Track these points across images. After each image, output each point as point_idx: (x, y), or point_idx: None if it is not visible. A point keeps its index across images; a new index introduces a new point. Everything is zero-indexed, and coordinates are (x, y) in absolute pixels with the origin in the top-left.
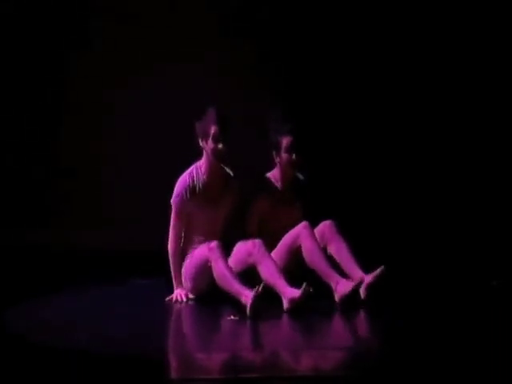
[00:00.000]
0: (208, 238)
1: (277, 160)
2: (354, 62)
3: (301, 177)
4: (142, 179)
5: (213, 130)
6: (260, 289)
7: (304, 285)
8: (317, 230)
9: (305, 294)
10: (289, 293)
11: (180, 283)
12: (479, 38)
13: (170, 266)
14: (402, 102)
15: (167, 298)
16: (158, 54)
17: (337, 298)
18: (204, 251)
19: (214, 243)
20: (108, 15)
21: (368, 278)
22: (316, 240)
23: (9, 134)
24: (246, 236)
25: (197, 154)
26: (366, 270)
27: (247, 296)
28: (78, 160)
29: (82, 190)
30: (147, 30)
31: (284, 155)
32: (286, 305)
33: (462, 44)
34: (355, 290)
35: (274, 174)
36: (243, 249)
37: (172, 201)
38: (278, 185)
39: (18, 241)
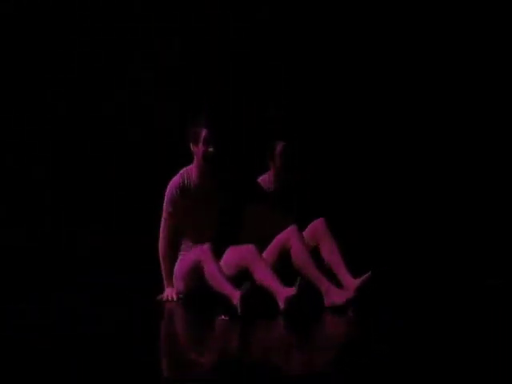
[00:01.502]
0: (200, 242)
1: (271, 164)
2: (351, 61)
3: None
4: (141, 179)
5: (203, 133)
6: (247, 288)
7: (298, 280)
8: (310, 227)
9: (300, 289)
10: (284, 292)
11: (170, 284)
12: (479, 38)
13: (160, 267)
14: (397, 100)
15: (158, 297)
16: (157, 53)
17: (326, 302)
18: (196, 253)
19: (206, 245)
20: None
21: (355, 283)
22: (305, 244)
23: (9, 134)
24: (240, 242)
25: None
26: (361, 269)
27: (237, 297)
28: (77, 160)
29: (82, 190)
30: (146, 27)
31: (278, 160)
32: (282, 305)
33: (462, 44)
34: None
35: (265, 178)
36: (236, 253)
37: (164, 204)
38: (271, 188)
39: (17, 241)
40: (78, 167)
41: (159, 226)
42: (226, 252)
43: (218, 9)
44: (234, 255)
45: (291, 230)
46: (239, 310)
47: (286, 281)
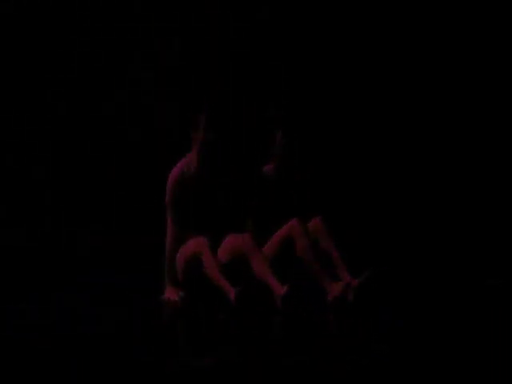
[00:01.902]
0: (200, 233)
1: (272, 153)
2: (351, 61)
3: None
4: (141, 179)
5: (203, 119)
6: (242, 285)
7: (291, 282)
8: (308, 226)
9: (293, 287)
10: (279, 290)
11: (172, 282)
12: (479, 38)
13: (164, 264)
14: (397, 99)
15: (159, 299)
16: (157, 53)
17: (329, 297)
18: (193, 246)
19: (202, 239)
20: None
21: (354, 282)
22: (309, 239)
23: (9, 134)
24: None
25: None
26: (360, 269)
27: (233, 293)
28: (77, 160)
29: (82, 190)
30: (146, 27)
31: (279, 149)
32: (278, 302)
33: (462, 44)
34: (345, 291)
35: (270, 168)
36: (233, 242)
37: (166, 199)
38: (272, 177)
39: (17, 241)
40: (78, 167)
41: (159, 226)
42: (224, 240)
43: (218, 9)
44: (232, 244)
45: (293, 223)
46: (235, 307)
47: (286, 276)
